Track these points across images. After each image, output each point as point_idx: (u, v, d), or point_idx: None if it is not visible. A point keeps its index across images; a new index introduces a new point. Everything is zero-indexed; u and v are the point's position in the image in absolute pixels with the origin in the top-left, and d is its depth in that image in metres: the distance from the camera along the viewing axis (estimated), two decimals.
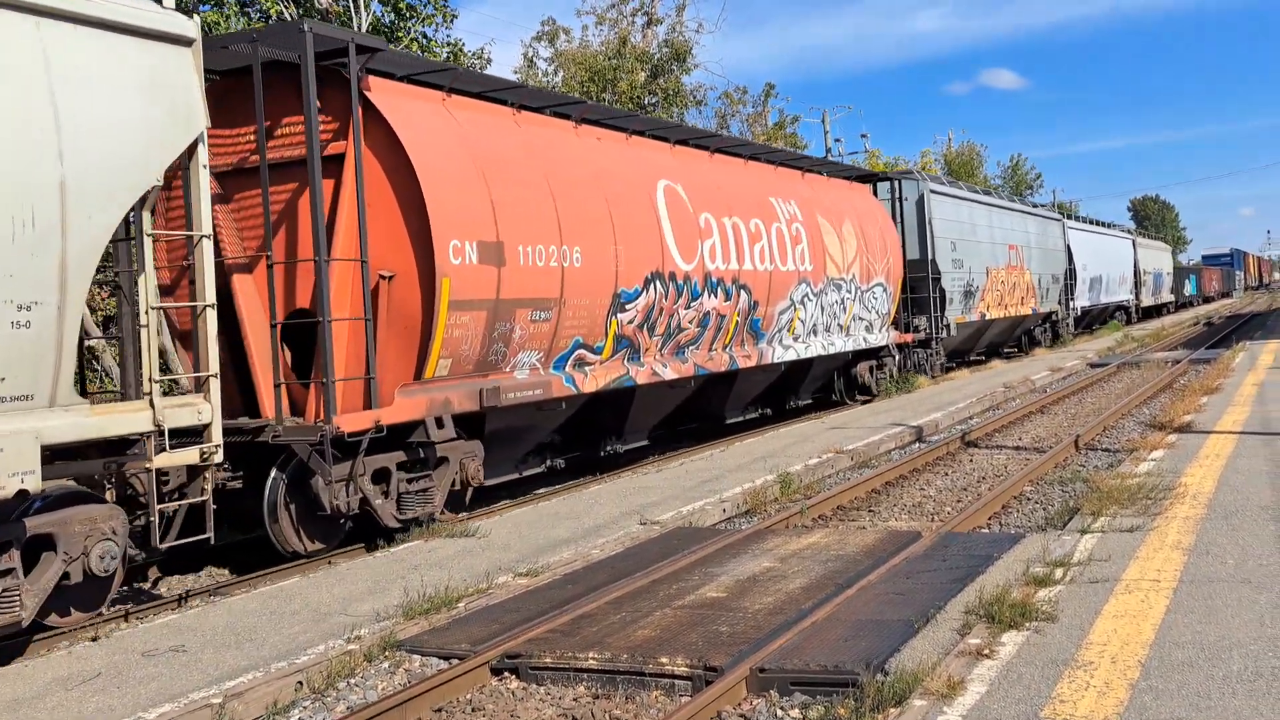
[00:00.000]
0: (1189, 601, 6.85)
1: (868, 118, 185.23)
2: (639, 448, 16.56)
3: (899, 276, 23.65)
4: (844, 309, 20.92)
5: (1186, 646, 6.05)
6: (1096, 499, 10.10)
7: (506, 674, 7.20)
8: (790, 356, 19.01)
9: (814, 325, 19.84)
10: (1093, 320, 48.87)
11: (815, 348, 19.87)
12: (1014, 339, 36.18)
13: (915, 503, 12.73)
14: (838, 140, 51.09)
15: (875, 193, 24.94)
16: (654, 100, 34.37)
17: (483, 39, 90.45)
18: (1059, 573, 7.70)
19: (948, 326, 26.35)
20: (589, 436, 15.38)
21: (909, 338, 24.62)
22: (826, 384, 22.56)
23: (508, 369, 12.66)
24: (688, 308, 15.76)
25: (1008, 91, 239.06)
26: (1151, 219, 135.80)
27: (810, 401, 22.09)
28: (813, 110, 76.69)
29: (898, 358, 23.98)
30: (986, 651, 6.19)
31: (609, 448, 15.36)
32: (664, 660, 6.93)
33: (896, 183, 25.56)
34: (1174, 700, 5.32)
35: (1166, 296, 70.65)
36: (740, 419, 19.54)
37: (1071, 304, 41.49)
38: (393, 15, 26.62)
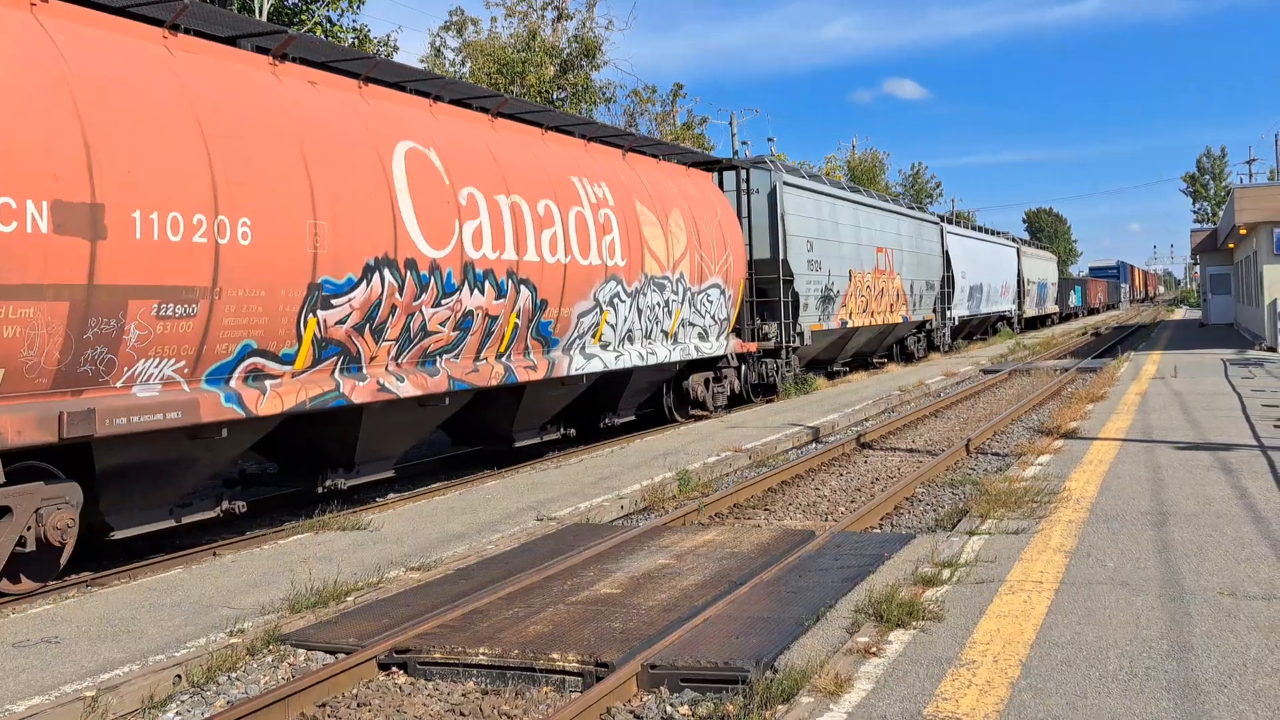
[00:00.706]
0: (1069, 603, 7.03)
1: (775, 122, 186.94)
2: (385, 479, 13.36)
3: (741, 278, 20.80)
4: (669, 313, 17.92)
5: (1066, 646, 6.20)
6: (985, 502, 10.32)
7: (395, 669, 7.09)
8: (595, 368, 15.88)
9: (629, 331, 16.80)
10: (972, 331, 47.56)
11: (631, 357, 16.83)
12: (884, 349, 34.21)
13: (810, 502, 12.87)
14: (744, 143, 51.59)
15: (721, 183, 21.87)
16: (562, 95, 34.25)
17: (390, 25, 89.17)
18: (946, 573, 7.84)
19: (801, 335, 23.78)
20: (300, 467, 12.53)
21: (753, 347, 21.79)
22: (655, 398, 19.74)
23: (118, 384, 9.18)
24: (437, 305, 12.49)
25: (910, 101, 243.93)
26: (1045, 230, 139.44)
27: (633, 419, 18.78)
28: (721, 112, 77.48)
29: (741, 369, 21.66)
30: (874, 650, 6.27)
31: (330, 482, 12.21)
32: (555, 656, 6.89)
33: (744, 172, 22.34)
34: (1052, 699, 5.44)
35: (1051, 307, 69.11)
36: (535, 441, 15.99)
37: (948, 313, 39.21)
38: None
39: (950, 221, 46.54)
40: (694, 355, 19.06)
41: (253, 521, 12.21)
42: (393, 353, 12.11)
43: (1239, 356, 29.18)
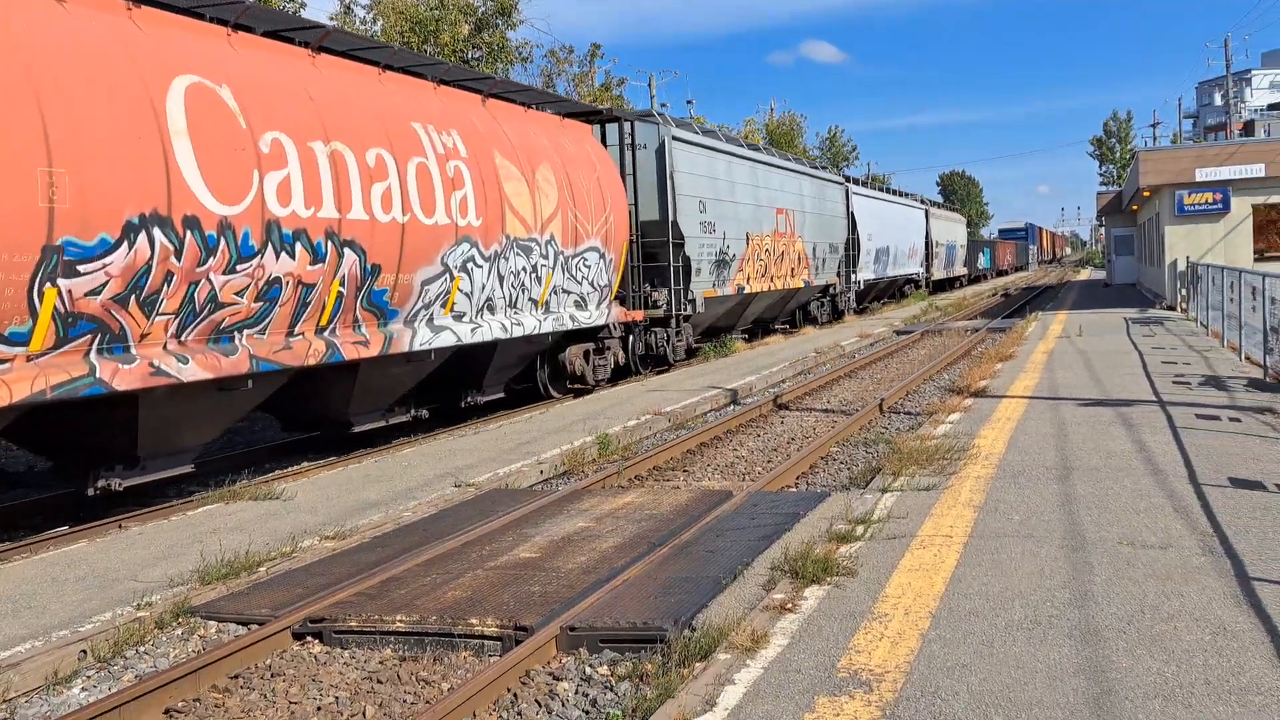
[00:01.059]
0: (977, 556, 7.20)
1: (694, 85, 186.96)
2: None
3: (624, 240, 19.07)
4: (538, 279, 16.09)
5: (974, 597, 6.35)
6: (897, 459, 10.50)
7: (309, 639, 7.03)
8: (446, 342, 14.01)
9: (489, 300, 14.91)
10: (880, 294, 46.32)
11: (492, 329, 14.97)
12: (786, 315, 32.94)
13: (728, 463, 12.99)
14: (664, 105, 51.68)
15: (604, 138, 20.04)
16: (478, 55, 33.80)
17: None
18: (860, 530, 7.97)
19: (693, 302, 22.17)
20: (76, 462, 10.67)
21: (639, 315, 20.17)
22: (528, 372, 17.85)
23: None
24: (230, 272, 10.52)
25: (827, 65, 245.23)
26: (958, 193, 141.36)
27: (501, 395, 16.93)
28: (640, 74, 76.79)
29: (629, 340, 20.35)
30: (790, 606, 6.36)
31: (104, 482, 10.38)
32: (474, 621, 6.89)
33: (628, 125, 20.35)
34: (960, 648, 5.58)
35: (960, 270, 67.38)
36: (381, 424, 14.22)
37: (853, 277, 37.68)
38: None
39: (864, 184, 45.77)
40: (569, 325, 17.23)
41: (160, 492, 11.97)
42: (172, 329, 10.14)
43: (1141, 315, 30.01)
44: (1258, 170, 31.26)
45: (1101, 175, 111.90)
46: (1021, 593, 6.39)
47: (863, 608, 6.29)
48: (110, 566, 8.45)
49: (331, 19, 33.69)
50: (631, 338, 20.57)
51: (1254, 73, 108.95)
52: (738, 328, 28.31)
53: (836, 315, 36.02)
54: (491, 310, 15.08)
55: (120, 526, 10.34)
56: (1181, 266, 31.47)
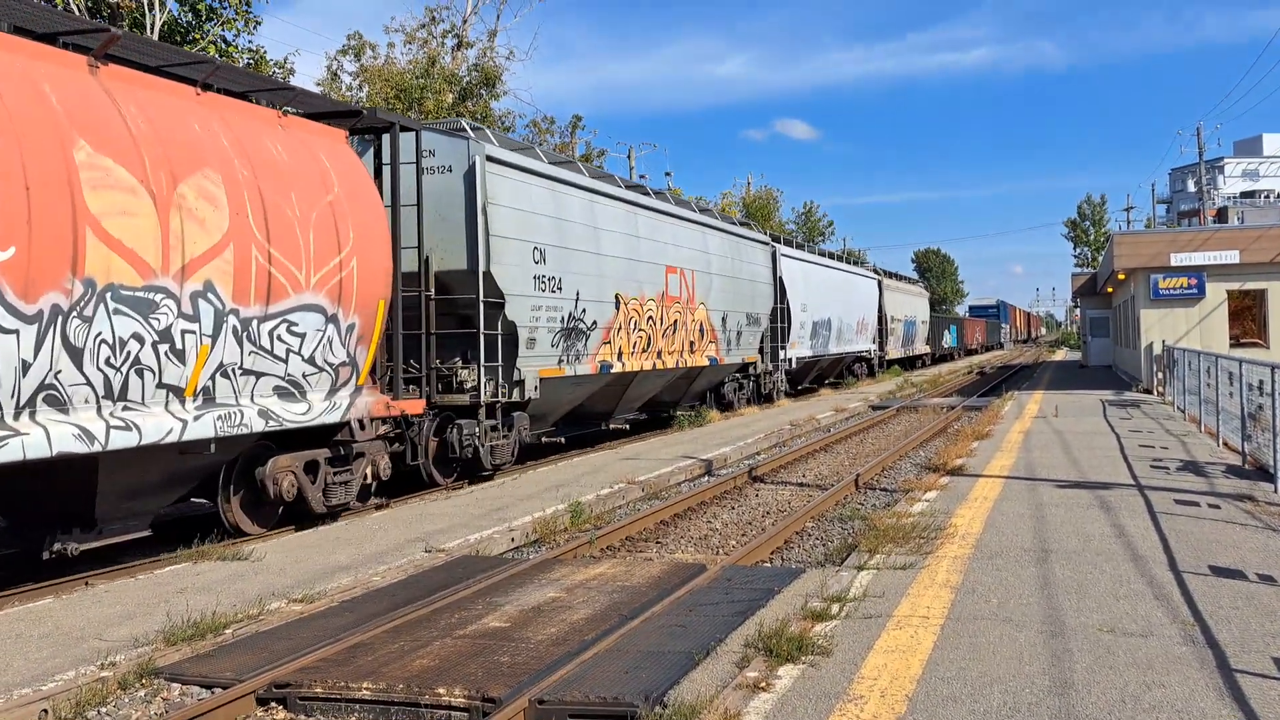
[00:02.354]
0: (955, 638, 7.11)
1: (673, 157, 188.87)
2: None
3: (377, 296, 13.30)
4: (177, 353, 10.39)
5: (951, 681, 6.26)
6: (873, 537, 10.43)
7: (274, 704, 6.86)
8: None
9: (50, 385, 9.13)
10: (822, 375, 41.32)
11: (56, 439, 9.11)
12: (691, 397, 26.97)
13: (702, 535, 12.88)
14: (642, 176, 51.83)
15: (380, 154, 14.85)
16: None
17: (287, 48, 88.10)
18: (835, 608, 7.88)
19: (520, 384, 16.59)
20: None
21: (415, 406, 14.38)
22: (208, 490, 12.12)
23: None
24: None
25: (801, 141, 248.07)
26: (934, 270, 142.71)
27: (148, 534, 11.38)
28: (619, 145, 77.76)
29: (419, 436, 14.99)
30: (763, 684, 6.25)
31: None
32: (441, 691, 6.74)
33: (397, 133, 14.40)
34: None
35: (921, 348, 61.44)
36: None
37: (782, 354, 32.07)
38: (190, 16, 25.58)
39: (796, 245, 39.86)
40: (258, 427, 11.46)
41: (128, 551, 11.76)
42: None
43: (1117, 398, 30.17)
44: (1232, 257, 31.67)
45: (1076, 257, 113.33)
46: (1000, 678, 6.30)
47: (838, 688, 6.19)
48: (75, 624, 8.26)
49: (319, 85, 33.97)
50: (419, 434, 15.03)
51: (1227, 160, 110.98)
52: (616, 414, 23.03)
53: (764, 399, 30.98)
54: (61, 405, 9.27)
55: (87, 584, 10.15)
56: (1157, 350, 31.72)
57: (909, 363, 57.79)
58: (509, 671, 7.10)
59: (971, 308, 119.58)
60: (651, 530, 13.07)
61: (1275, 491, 12.91)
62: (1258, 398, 14.72)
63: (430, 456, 15.32)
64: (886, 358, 50.21)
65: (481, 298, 15.80)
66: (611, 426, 21.19)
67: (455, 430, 15.59)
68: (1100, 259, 53.06)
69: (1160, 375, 30.81)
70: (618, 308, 20.19)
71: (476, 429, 15.85)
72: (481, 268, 15.78)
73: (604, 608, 8.76)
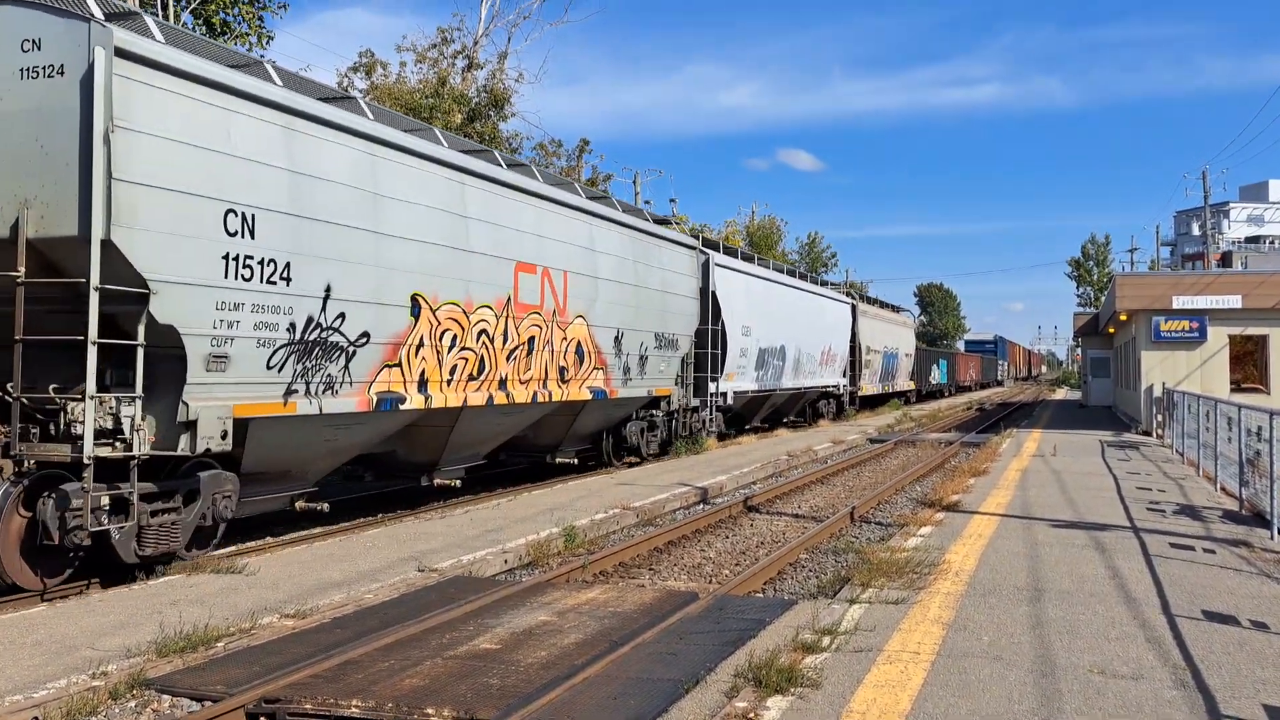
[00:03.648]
0: (945, 675, 7.11)
1: (677, 183, 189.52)
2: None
3: None
4: None
5: (940, 719, 6.26)
6: (867, 570, 10.43)
7: (263, 719, 6.85)
8: None
9: None
10: (779, 412, 35.54)
11: None
12: (571, 441, 20.17)
13: (695, 563, 12.87)
14: (647, 202, 51.99)
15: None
16: None
17: (299, 63, 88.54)
18: (826, 640, 7.88)
19: (191, 426, 10.61)
20: None
21: None
22: None
23: None
24: None
25: (804, 172, 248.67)
26: (936, 305, 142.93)
27: None
28: (625, 170, 77.91)
29: None
30: (752, 715, 6.25)
31: None
32: (430, 711, 6.74)
33: None
34: None
35: (904, 384, 55.10)
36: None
37: (713, 387, 25.88)
38: (204, 29, 25.77)
39: (738, 255, 30.06)
40: None
41: None
42: None
43: (1116, 439, 30.16)
44: (1234, 301, 31.73)
45: (1079, 296, 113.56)
46: (989, 716, 6.30)
47: None
48: (69, 633, 8.27)
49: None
50: None
51: (1232, 205, 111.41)
52: (445, 465, 16.00)
53: (693, 441, 25.14)
54: None
55: (81, 592, 10.15)
56: (1158, 392, 31.74)
57: (886, 400, 52.04)
58: (498, 694, 7.09)
59: (967, 342, 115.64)
60: (644, 556, 13.06)
61: (1271, 538, 12.90)
62: (1256, 443, 14.73)
63: (15, 545, 9.69)
64: (859, 393, 44.11)
65: (94, 283, 9.55)
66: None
67: (51, 503, 9.66)
68: (1103, 299, 53.10)
69: (1160, 417, 30.82)
70: (415, 315, 13.94)
71: (115, 499, 9.96)
72: (98, 233, 9.55)
73: (595, 633, 8.76)
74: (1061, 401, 65.46)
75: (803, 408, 37.79)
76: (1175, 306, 32.28)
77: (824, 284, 41.31)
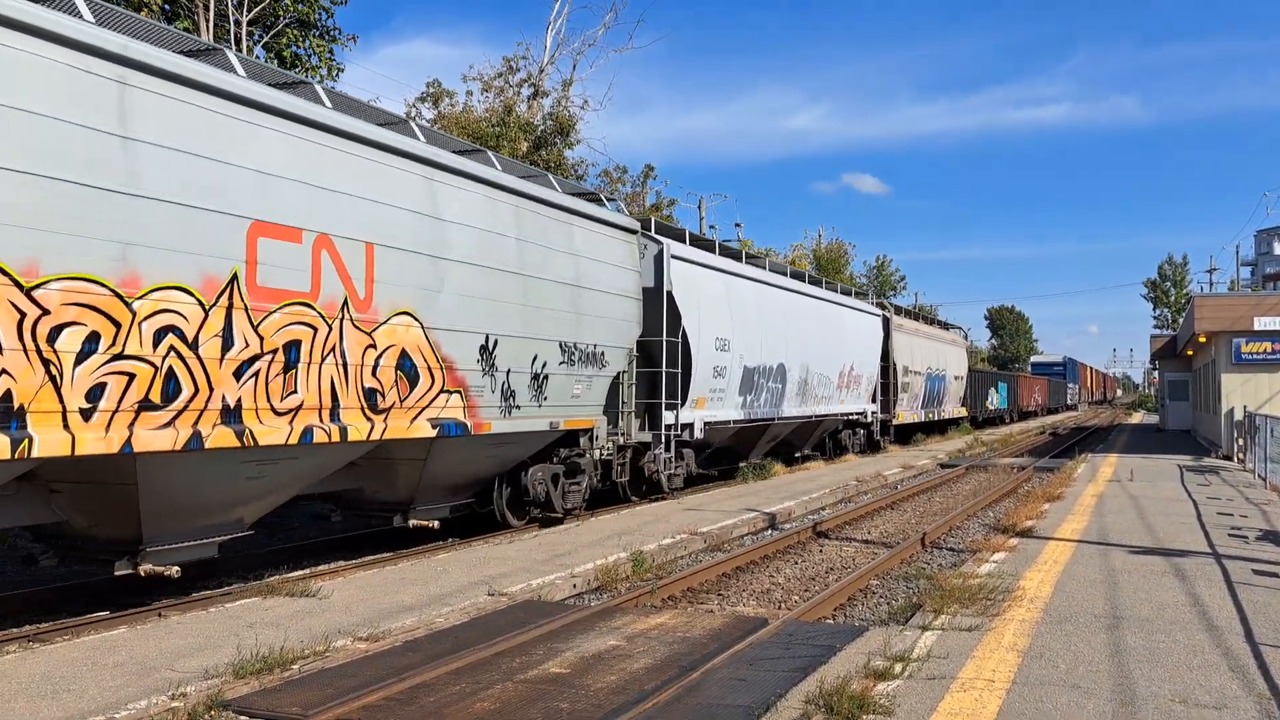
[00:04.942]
0: (1020, 704, 7.00)
1: (742, 209, 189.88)
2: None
3: None
4: None
5: None
6: (939, 597, 10.30)
7: None
8: None
9: None
10: (789, 444, 28.85)
11: None
12: (423, 499, 14.07)
13: (764, 589, 12.80)
14: (712, 226, 52.13)
15: None
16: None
17: (368, 95, 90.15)
18: (899, 667, 7.79)
19: None
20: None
21: None
22: None
23: None
24: None
25: (870, 195, 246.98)
26: (1007, 328, 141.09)
27: None
28: (690, 195, 78.17)
29: None
30: None
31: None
32: None
33: None
34: None
35: (953, 410, 47.50)
36: None
37: (670, 417, 19.03)
38: (276, 62, 26.36)
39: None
40: None
41: (199, 582, 12.00)
42: None
43: (1196, 463, 29.51)
44: None
45: (1155, 318, 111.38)
46: None
47: None
48: (148, 654, 8.44)
49: None
50: None
51: None
52: (149, 547, 10.27)
53: (650, 488, 19.83)
54: None
55: (160, 615, 10.36)
56: (1239, 415, 31.01)
57: (930, 429, 44.90)
58: (568, 718, 7.11)
59: (1034, 364, 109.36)
60: (713, 582, 13.02)
61: None
62: None
63: None
64: (894, 422, 36.79)
65: None
66: None
67: None
68: (1180, 321, 52.04)
69: (1241, 441, 30.10)
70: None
71: None
72: None
73: (664, 658, 8.75)
74: (1138, 425, 64.19)
75: (821, 440, 31.43)
76: (1257, 328, 31.59)
77: (854, 294, 34.86)
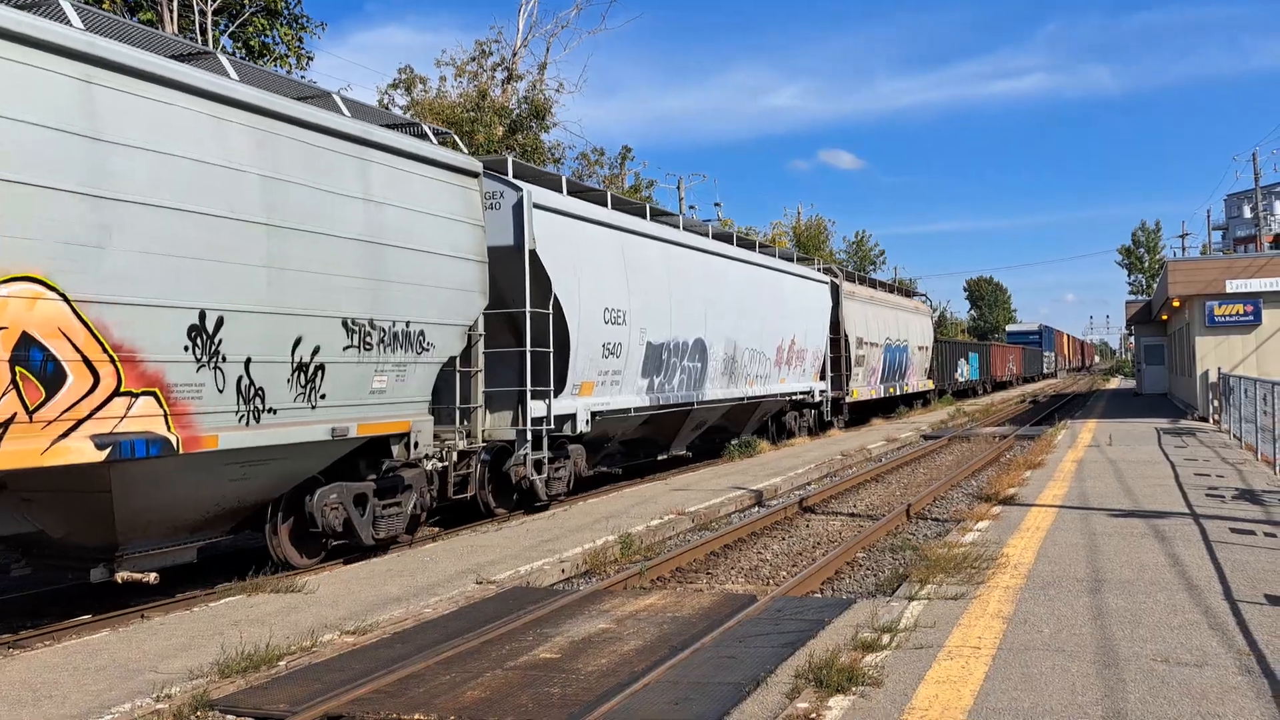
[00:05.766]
0: (1006, 669, 7.05)
1: (721, 187, 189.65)
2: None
3: None
4: None
5: (1003, 713, 6.21)
6: (924, 567, 10.37)
7: None
8: None
9: None
10: (720, 435, 25.56)
11: None
12: (139, 541, 10.31)
13: (752, 566, 12.85)
14: (692, 207, 52.09)
15: None
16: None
17: (339, 83, 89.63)
18: (886, 638, 7.84)
19: None
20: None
21: None
22: None
23: None
24: None
25: (846, 171, 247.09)
26: (986, 299, 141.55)
27: None
28: (669, 176, 78.10)
29: None
30: (814, 716, 6.24)
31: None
32: None
33: None
34: None
35: (918, 383, 44.02)
36: None
37: (537, 410, 15.67)
38: (244, 52, 26.16)
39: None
40: None
41: (182, 583, 11.95)
42: None
43: (1172, 426, 29.73)
44: None
45: (1130, 284, 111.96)
46: (1052, 709, 6.24)
47: (889, 719, 6.16)
48: (131, 656, 8.40)
49: None
50: None
51: None
52: None
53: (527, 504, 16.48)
54: None
55: (143, 616, 10.32)
56: (1213, 378, 31.25)
57: (887, 406, 40.51)
58: (559, 703, 7.13)
59: (1009, 333, 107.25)
60: (701, 561, 13.06)
61: None
62: None
63: None
64: (846, 400, 32.90)
65: None
66: None
67: None
68: (1155, 286, 52.34)
69: (1216, 403, 30.34)
70: None
71: None
72: None
73: (654, 639, 8.77)
74: (1115, 391, 64.62)
75: (763, 423, 27.84)
76: (1229, 290, 31.77)
77: (796, 259, 30.78)
